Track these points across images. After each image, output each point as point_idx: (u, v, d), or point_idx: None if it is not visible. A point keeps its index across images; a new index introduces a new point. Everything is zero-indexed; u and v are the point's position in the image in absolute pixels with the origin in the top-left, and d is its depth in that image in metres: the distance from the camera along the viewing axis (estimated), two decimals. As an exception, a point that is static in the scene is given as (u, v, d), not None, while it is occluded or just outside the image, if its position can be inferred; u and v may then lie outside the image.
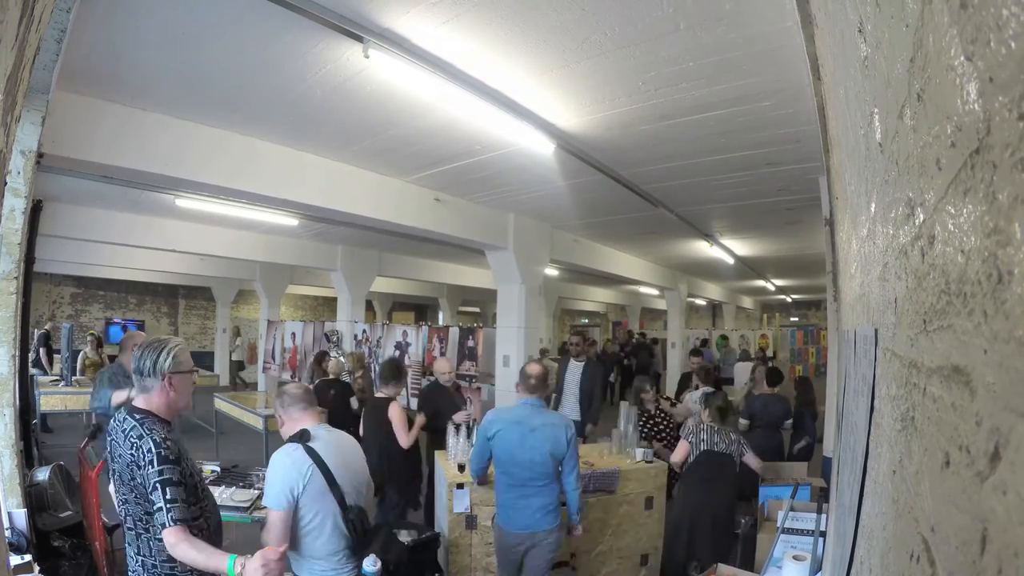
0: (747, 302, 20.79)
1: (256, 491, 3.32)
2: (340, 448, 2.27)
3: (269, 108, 3.84)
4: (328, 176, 4.97)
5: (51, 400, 7.66)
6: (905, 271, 0.63)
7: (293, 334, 10.53)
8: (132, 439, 1.85)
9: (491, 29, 2.73)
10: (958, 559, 0.38)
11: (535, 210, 6.69)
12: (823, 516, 2.94)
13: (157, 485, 1.79)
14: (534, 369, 3.07)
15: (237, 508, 3.15)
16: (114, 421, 1.95)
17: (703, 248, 8.91)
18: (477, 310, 23.01)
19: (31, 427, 4.06)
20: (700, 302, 19.54)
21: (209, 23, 2.78)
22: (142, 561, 1.88)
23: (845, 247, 1.73)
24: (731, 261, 10.01)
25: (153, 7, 2.64)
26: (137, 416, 1.90)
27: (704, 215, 6.98)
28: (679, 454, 3.84)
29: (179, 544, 1.78)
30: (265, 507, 2.13)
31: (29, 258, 3.39)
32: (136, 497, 1.85)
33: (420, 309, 22.42)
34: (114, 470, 1.90)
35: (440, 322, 18.01)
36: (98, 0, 2.55)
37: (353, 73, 3.21)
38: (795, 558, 2.90)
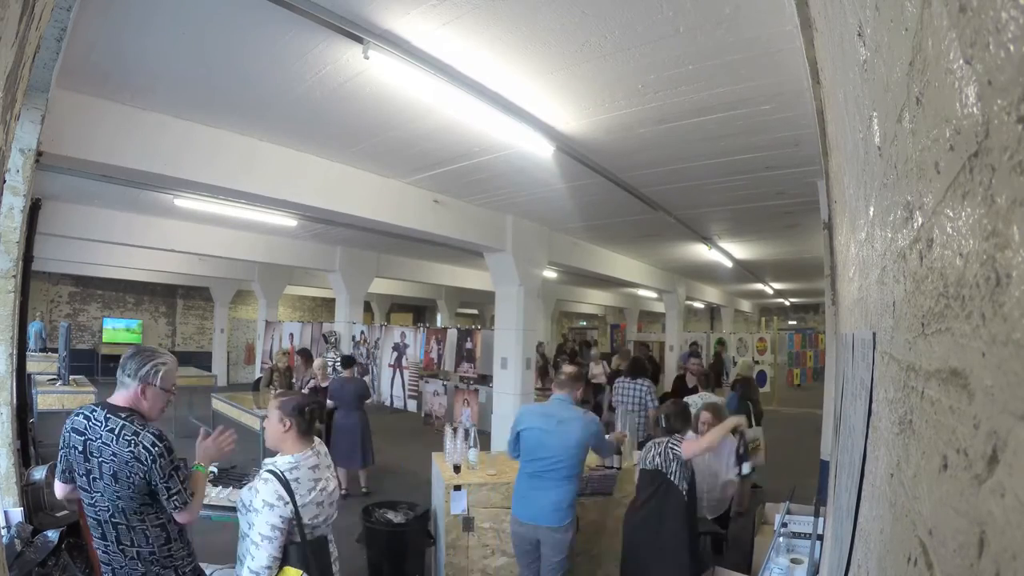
0: (745, 305, 20.80)
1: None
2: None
3: (269, 109, 3.83)
4: (328, 177, 4.97)
5: (48, 399, 7.64)
6: (903, 274, 0.63)
7: (291, 335, 10.52)
8: (127, 437, 1.93)
9: (491, 31, 2.73)
10: (956, 562, 0.38)
11: (534, 212, 6.69)
12: (820, 519, 2.94)
13: (172, 474, 1.96)
14: (568, 368, 3.32)
15: (235, 508, 3.14)
16: (85, 420, 1.98)
17: (701, 251, 8.92)
18: (475, 312, 23.00)
19: (28, 426, 4.04)
20: (698, 305, 19.55)
21: (209, 23, 2.77)
22: (136, 552, 1.96)
23: (843, 250, 1.74)
24: (729, 264, 10.02)
25: (154, 7, 2.64)
26: (123, 415, 1.98)
27: (703, 218, 6.98)
28: None
29: (193, 514, 2.06)
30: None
31: (27, 256, 3.38)
32: (132, 492, 1.93)
33: (418, 310, 22.39)
34: (89, 470, 1.94)
35: (438, 323, 18.00)
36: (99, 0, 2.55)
37: (353, 74, 3.21)
38: (793, 561, 2.91)
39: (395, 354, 8.42)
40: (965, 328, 0.38)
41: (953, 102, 0.40)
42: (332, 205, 5.08)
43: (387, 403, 8.45)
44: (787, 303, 20.52)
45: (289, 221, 7.08)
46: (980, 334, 0.35)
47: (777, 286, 15.56)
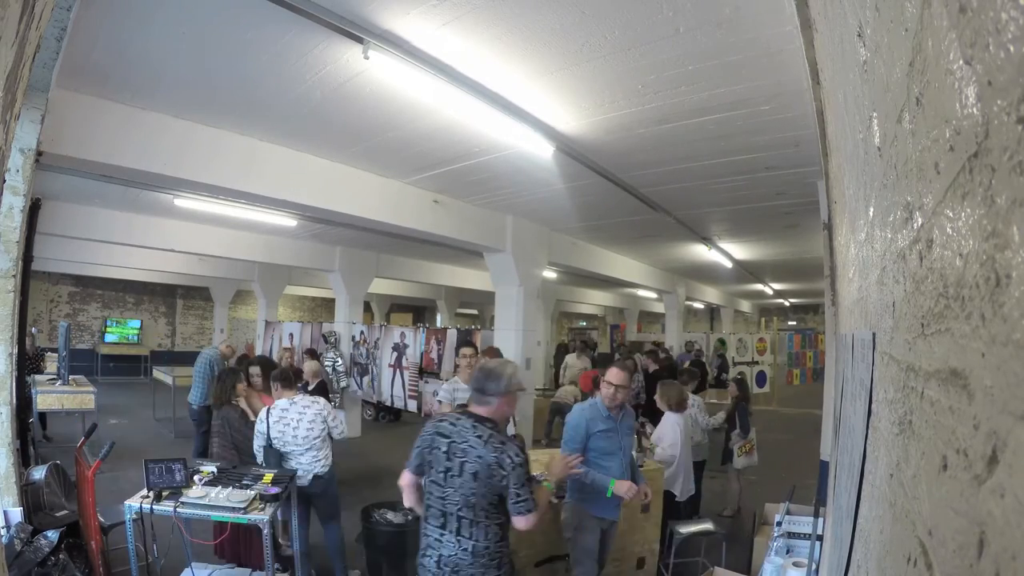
0: (745, 306, 20.80)
1: (252, 492, 3.30)
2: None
3: (269, 109, 3.83)
4: (328, 177, 4.97)
5: (48, 399, 7.62)
6: (903, 275, 0.63)
7: (291, 335, 10.52)
8: (495, 444, 2.22)
9: (491, 31, 2.73)
10: (955, 562, 0.38)
11: (533, 212, 6.69)
12: (820, 520, 2.94)
13: (525, 482, 2.22)
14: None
15: (233, 509, 3.13)
16: (451, 426, 2.31)
17: (701, 252, 8.92)
18: (475, 312, 22.99)
19: (27, 425, 4.04)
20: (698, 305, 19.54)
21: (210, 23, 2.77)
22: (472, 545, 2.23)
23: (843, 251, 1.74)
24: (729, 265, 10.02)
25: (154, 7, 2.64)
26: (488, 425, 2.29)
27: (703, 219, 6.98)
28: None
29: (531, 521, 2.24)
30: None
31: (27, 256, 3.39)
32: (488, 491, 2.22)
33: (418, 311, 22.39)
34: (448, 468, 2.24)
35: (438, 324, 17.99)
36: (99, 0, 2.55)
37: (353, 74, 3.21)
38: (795, 564, 2.91)
39: (395, 354, 8.41)
40: (965, 328, 0.38)
41: (953, 102, 0.40)
42: (332, 205, 5.08)
43: (387, 403, 8.46)
44: (787, 303, 20.52)
45: (289, 221, 7.07)
46: (980, 334, 0.35)
47: (777, 286, 15.56)
